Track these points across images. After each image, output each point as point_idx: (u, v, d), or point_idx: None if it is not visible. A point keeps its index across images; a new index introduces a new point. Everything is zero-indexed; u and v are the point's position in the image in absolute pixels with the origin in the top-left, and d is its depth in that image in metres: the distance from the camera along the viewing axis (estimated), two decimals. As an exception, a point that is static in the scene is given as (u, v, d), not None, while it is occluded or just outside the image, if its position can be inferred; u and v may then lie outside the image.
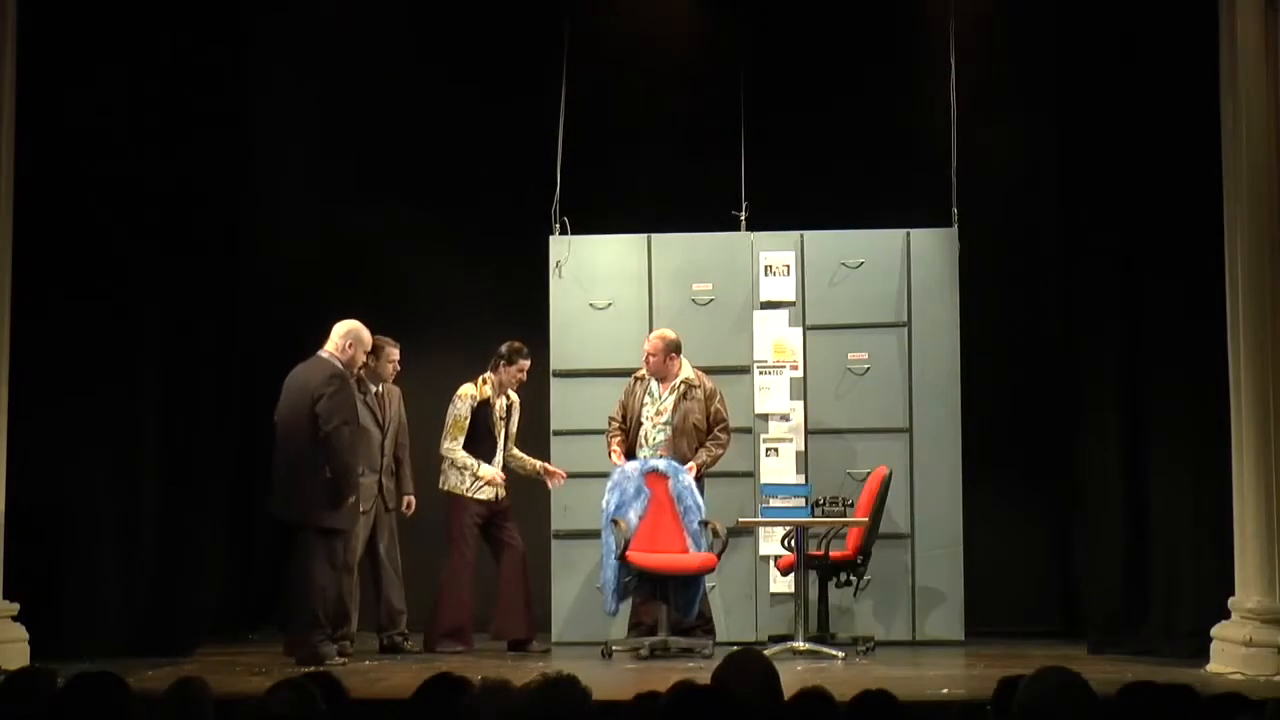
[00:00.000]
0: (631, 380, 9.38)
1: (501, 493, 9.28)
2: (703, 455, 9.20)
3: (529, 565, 9.33)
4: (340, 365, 8.55)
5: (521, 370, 9.35)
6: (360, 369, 8.94)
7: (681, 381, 9.24)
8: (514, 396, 9.43)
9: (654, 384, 9.30)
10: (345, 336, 8.60)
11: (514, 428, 9.44)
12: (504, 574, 9.26)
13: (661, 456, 9.15)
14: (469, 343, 9.93)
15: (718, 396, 9.26)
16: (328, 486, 8.34)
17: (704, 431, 9.24)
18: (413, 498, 9.33)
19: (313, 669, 6.51)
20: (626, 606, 9.14)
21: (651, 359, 9.23)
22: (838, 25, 10.30)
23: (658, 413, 9.26)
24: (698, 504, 9.04)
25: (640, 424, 9.29)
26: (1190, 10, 8.34)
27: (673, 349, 9.23)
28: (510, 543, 9.29)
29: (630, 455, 9.26)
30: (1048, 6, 9.69)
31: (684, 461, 9.15)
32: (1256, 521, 7.78)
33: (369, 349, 8.75)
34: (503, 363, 9.31)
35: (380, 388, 9.27)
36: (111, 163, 8.91)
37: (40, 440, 8.54)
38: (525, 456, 9.46)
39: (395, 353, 9.26)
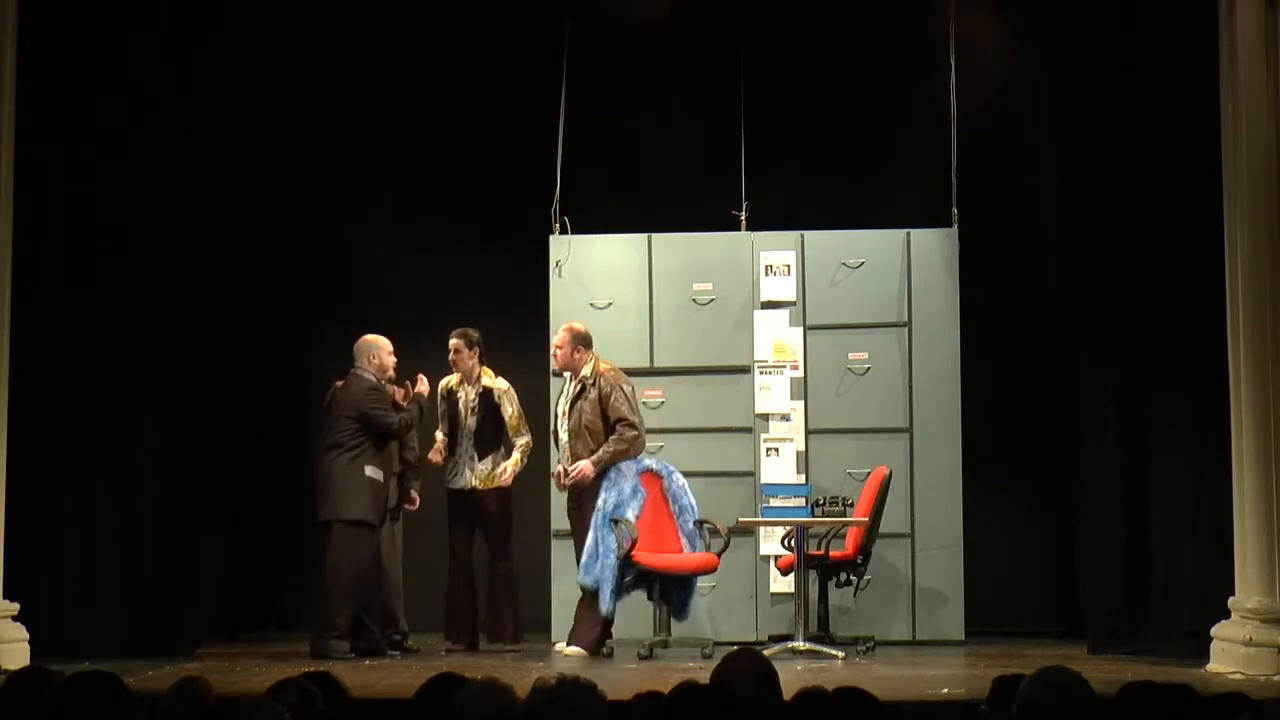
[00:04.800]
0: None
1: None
2: (600, 451, 8.86)
3: (520, 567, 9.41)
4: (373, 378, 8.94)
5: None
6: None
7: (579, 380, 8.98)
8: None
9: (568, 381, 9.13)
10: (364, 353, 8.99)
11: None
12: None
13: (564, 459, 8.98)
14: (469, 343, 9.91)
15: (614, 394, 8.87)
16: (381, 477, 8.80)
17: (601, 434, 8.91)
18: (416, 494, 9.36)
19: (313, 669, 6.51)
20: (620, 607, 9.11)
21: (558, 352, 9.03)
22: (838, 25, 10.30)
23: (562, 413, 9.10)
24: (692, 504, 9.04)
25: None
26: (1190, 10, 8.35)
27: (580, 341, 8.97)
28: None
29: None
30: (1048, 7, 9.69)
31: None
32: (1256, 521, 7.77)
33: (390, 349, 9.02)
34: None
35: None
36: (112, 163, 8.90)
37: (40, 440, 8.55)
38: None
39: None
